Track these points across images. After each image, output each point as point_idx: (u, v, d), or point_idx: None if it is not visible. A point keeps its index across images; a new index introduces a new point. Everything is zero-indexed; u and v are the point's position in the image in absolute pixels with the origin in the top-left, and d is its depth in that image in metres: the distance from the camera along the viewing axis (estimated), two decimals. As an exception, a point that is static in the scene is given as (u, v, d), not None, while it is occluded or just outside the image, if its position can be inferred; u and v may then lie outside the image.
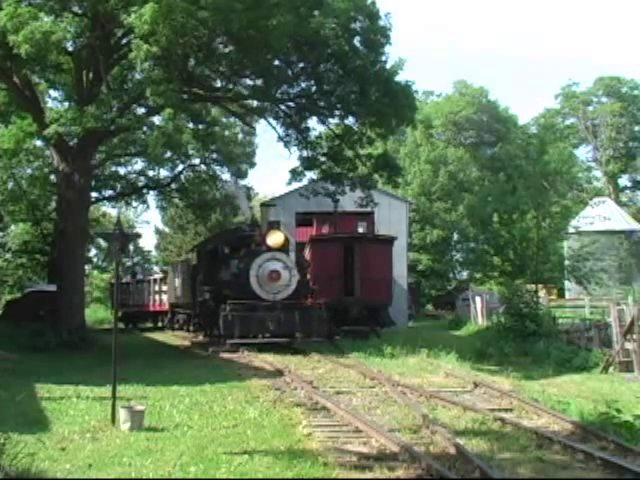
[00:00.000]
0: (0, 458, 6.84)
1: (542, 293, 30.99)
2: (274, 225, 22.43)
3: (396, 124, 22.88)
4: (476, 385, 13.50)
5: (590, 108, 62.84)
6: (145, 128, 23.19)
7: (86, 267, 34.02)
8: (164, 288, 32.95)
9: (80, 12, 18.95)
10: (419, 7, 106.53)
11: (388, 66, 21.75)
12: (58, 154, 22.53)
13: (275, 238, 21.13)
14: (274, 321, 19.66)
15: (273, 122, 24.01)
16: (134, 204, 37.59)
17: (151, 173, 33.92)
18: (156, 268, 44.88)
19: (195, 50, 19.24)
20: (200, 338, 27.41)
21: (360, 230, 29.11)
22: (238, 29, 17.74)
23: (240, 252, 22.16)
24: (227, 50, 20.88)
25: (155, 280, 35.25)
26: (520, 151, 38.31)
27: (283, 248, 21.45)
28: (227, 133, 34.99)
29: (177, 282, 29.97)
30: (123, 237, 10.84)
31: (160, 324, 35.72)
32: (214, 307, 22.00)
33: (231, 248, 23.40)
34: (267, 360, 17.15)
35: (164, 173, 33.87)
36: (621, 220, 43.70)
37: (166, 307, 32.65)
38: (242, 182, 35.11)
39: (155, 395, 12.29)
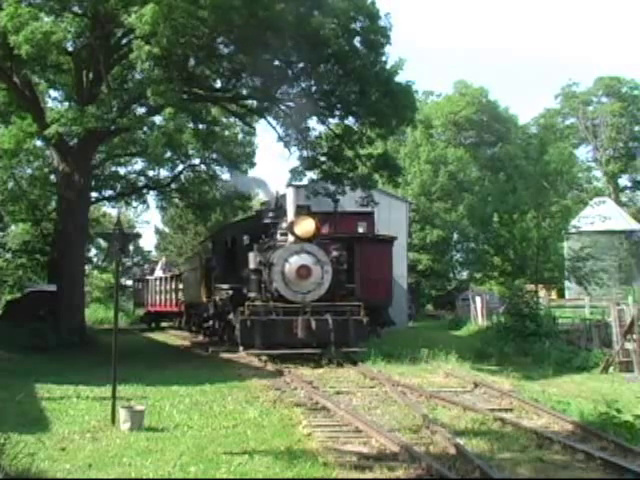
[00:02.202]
0: (0, 458, 6.83)
1: (542, 293, 31.01)
2: (303, 210, 18.50)
3: (396, 124, 22.84)
4: (476, 385, 13.51)
5: (590, 108, 62.91)
6: (145, 128, 23.18)
7: (86, 267, 33.97)
8: (181, 286, 31.14)
9: (80, 12, 18.97)
10: (419, 7, 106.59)
11: (388, 66, 21.74)
12: (58, 154, 22.55)
13: (305, 226, 17.83)
14: (303, 327, 16.61)
15: (273, 122, 24.04)
16: (134, 204, 37.50)
17: (151, 173, 33.85)
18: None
19: (195, 50, 19.23)
20: (200, 338, 27.37)
21: (360, 230, 28.93)
22: (238, 27, 17.75)
23: (262, 243, 18.91)
24: (227, 50, 20.90)
25: (172, 277, 33.56)
26: (520, 151, 38.31)
27: (314, 238, 18.11)
28: (227, 133, 34.95)
29: (191, 279, 27.32)
30: (123, 237, 10.84)
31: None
32: (231, 309, 19.20)
33: (251, 238, 19.95)
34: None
35: (164, 173, 33.82)
36: (621, 220, 43.75)
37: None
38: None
39: (155, 395, 12.30)
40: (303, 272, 17.34)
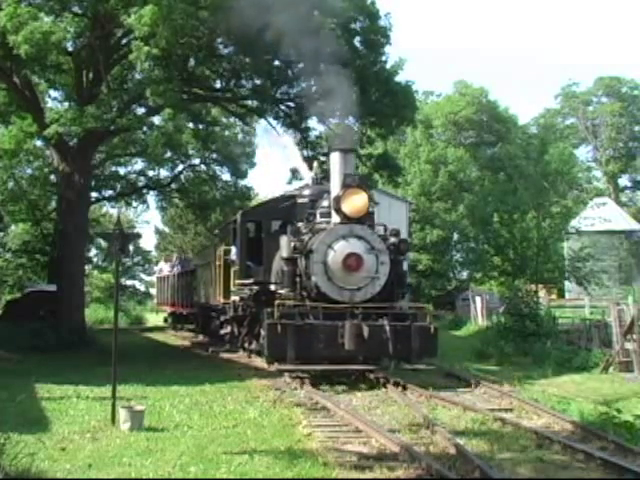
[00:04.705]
0: (0, 458, 6.83)
1: (542, 293, 30.97)
2: (353, 181, 14.12)
3: (396, 124, 22.87)
4: (476, 385, 13.50)
5: (590, 108, 62.94)
6: (145, 128, 23.18)
7: (86, 267, 33.96)
8: (195, 284, 27.78)
9: (80, 12, 18.97)
10: (419, 7, 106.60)
11: (388, 66, 21.77)
12: (58, 154, 22.56)
13: (355, 201, 13.83)
14: (352, 336, 12.85)
15: (273, 122, 24.04)
16: (134, 204, 37.54)
17: (151, 173, 33.91)
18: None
19: (195, 50, 19.24)
20: (200, 338, 27.33)
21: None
22: (238, 29, 17.75)
23: (296, 227, 15.17)
24: (227, 50, 20.91)
25: (186, 273, 30.53)
26: (520, 151, 38.29)
27: (365, 217, 14.28)
28: (227, 133, 34.98)
29: (206, 275, 24.03)
30: (123, 237, 10.84)
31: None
32: (256, 310, 15.63)
33: (283, 223, 16.33)
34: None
35: (164, 173, 33.88)
36: (621, 220, 43.76)
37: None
38: (242, 182, 35.10)
39: (155, 395, 12.31)
40: (352, 263, 13.54)
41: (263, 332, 13.77)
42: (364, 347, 13.02)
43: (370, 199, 14.50)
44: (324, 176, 17.05)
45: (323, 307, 13.44)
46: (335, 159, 14.60)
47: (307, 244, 14.09)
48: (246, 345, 17.67)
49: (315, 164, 18.26)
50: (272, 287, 15.37)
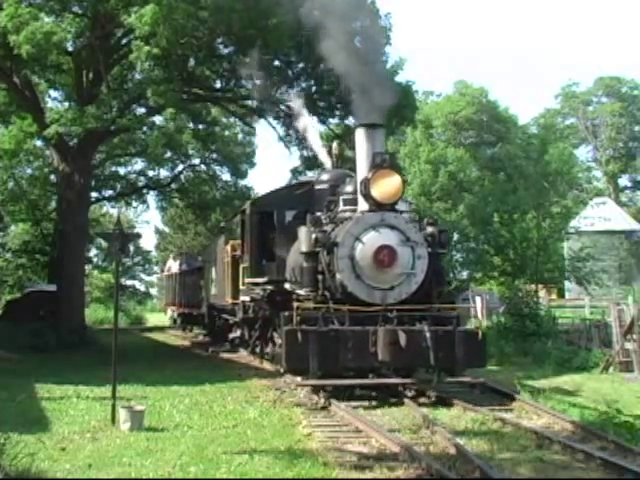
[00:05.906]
0: (0, 458, 6.83)
1: (542, 293, 30.98)
2: (384, 161, 12.18)
3: (396, 124, 22.87)
4: (476, 385, 13.47)
5: (590, 108, 62.93)
6: (145, 128, 23.19)
7: (86, 267, 33.95)
8: (201, 283, 26.44)
9: (80, 12, 19.00)
10: (419, 7, 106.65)
11: (388, 66, 21.76)
12: (58, 154, 22.59)
13: (386, 184, 11.96)
14: (386, 344, 11.06)
15: (273, 122, 24.05)
16: (134, 204, 37.54)
17: (151, 173, 33.94)
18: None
19: (195, 50, 19.26)
20: (200, 338, 27.31)
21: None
22: (238, 29, 17.77)
23: (317, 216, 13.03)
24: (227, 50, 20.92)
25: (197, 270, 29.02)
26: (520, 151, 38.26)
27: (398, 202, 12.33)
28: (227, 133, 34.99)
29: (212, 273, 22.25)
30: (123, 237, 10.85)
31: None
32: (270, 313, 13.85)
33: (298, 213, 14.48)
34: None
35: (164, 173, 33.91)
36: (621, 220, 43.77)
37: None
38: (242, 182, 35.12)
39: (155, 395, 12.32)
40: (384, 257, 11.59)
41: (279, 340, 12.26)
42: (401, 357, 11.17)
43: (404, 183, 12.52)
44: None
45: (350, 310, 11.57)
46: (361, 137, 12.52)
47: (331, 236, 12.12)
48: (257, 350, 16.41)
49: (334, 145, 16.33)
50: (287, 286, 13.50)
